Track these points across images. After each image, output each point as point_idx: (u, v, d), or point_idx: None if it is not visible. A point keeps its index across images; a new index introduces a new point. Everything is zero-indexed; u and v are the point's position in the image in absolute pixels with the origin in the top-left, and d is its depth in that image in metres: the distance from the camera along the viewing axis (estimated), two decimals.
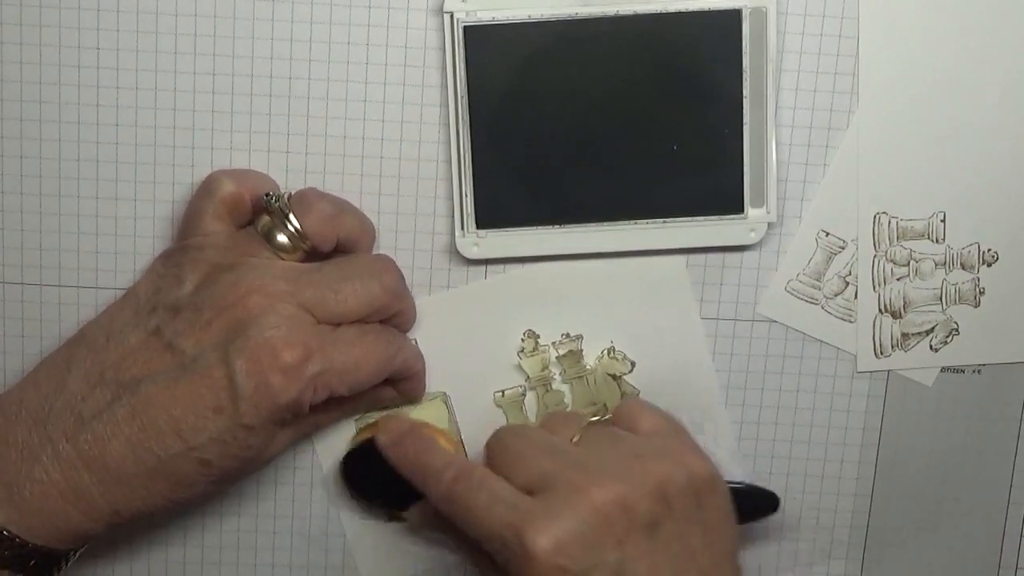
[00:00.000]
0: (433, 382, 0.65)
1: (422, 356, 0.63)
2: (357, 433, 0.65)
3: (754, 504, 0.64)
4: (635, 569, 0.54)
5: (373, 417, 0.65)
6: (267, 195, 0.60)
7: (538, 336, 0.64)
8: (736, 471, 0.66)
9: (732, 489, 0.60)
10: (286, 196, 0.60)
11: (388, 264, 0.61)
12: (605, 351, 0.65)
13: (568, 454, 0.57)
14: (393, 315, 0.61)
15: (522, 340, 0.64)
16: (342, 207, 0.61)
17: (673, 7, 0.60)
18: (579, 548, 0.53)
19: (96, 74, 0.62)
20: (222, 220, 0.60)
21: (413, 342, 0.63)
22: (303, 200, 0.60)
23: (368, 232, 0.62)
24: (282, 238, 0.59)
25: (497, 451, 0.58)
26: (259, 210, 0.60)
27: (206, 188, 0.60)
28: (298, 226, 0.59)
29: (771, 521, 0.66)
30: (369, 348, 0.59)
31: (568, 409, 0.65)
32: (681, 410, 0.64)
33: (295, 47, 0.62)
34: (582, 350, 0.65)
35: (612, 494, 0.54)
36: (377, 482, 0.63)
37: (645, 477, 0.55)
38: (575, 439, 0.59)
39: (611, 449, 0.58)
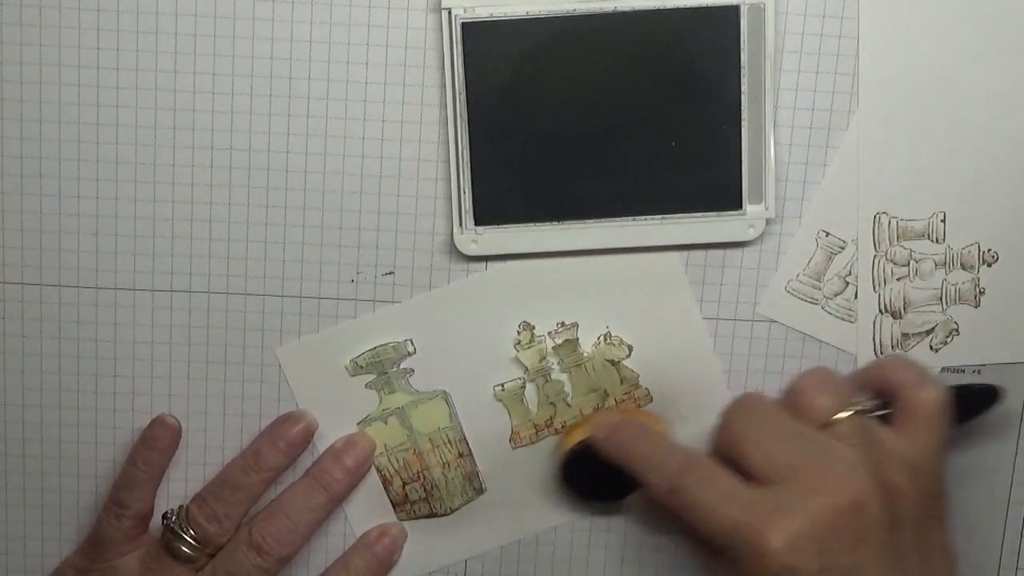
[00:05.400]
0: (432, 380, 0.65)
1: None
2: (565, 435, 0.65)
3: (975, 400, 0.62)
4: None
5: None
6: (164, 515, 0.64)
7: (534, 327, 0.64)
8: None
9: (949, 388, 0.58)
10: (184, 509, 0.64)
11: None
12: (601, 337, 0.65)
13: (811, 443, 0.55)
14: None
15: (518, 332, 0.64)
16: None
17: (671, 3, 0.60)
18: (813, 549, 0.52)
19: (96, 74, 0.62)
20: (132, 541, 0.64)
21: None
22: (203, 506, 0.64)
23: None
24: (185, 550, 0.63)
25: (734, 427, 0.57)
26: (164, 528, 0.64)
27: (112, 507, 0.64)
28: (195, 535, 0.63)
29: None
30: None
31: (825, 369, 0.60)
32: (682, 394, 0.64)
33: (295, 47, 0.62)
34: (578, 338, 0.65)
35: (849, 496, 0.53)
36: (595, 479, 0.63)
37: (883, 483, 0.54)
38: (823, 425, 0.56)
39: (857, 445, 0.55)
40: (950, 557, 0.57)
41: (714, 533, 0.54)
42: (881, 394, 0.59)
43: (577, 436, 0.63)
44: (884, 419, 0.58)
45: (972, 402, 0.62)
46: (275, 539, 0.62)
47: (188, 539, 0.63)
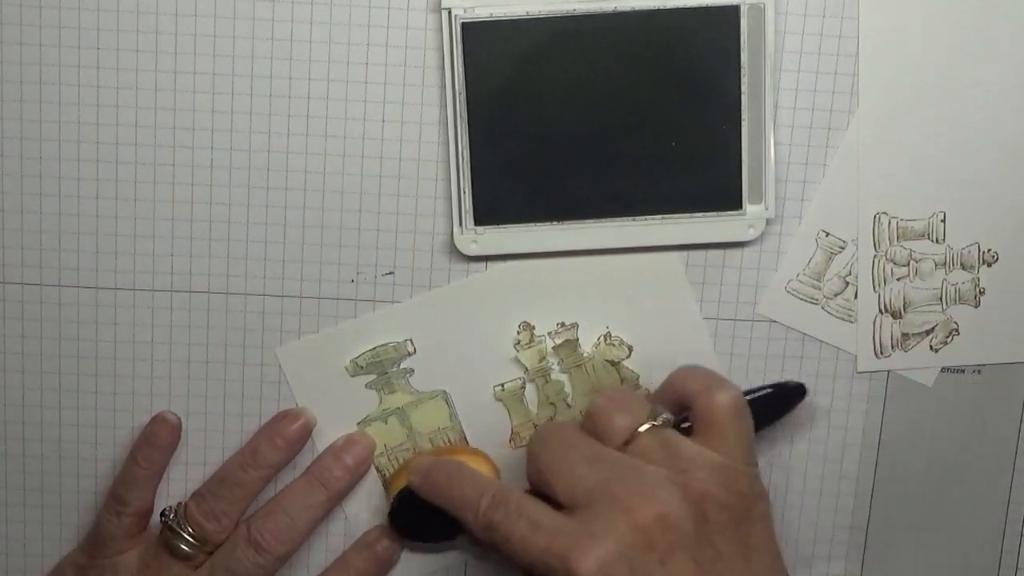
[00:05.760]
0: (432, 380, 0.65)
1: None
2: (391, 480, 0.65)
3: (782, 400, 0.63)
4: None
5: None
6: (163, 513, 0.64)
7: (534, 327, 0.64)
8: None
9: (755, 396, 0.59)
10: (182, 507, 0.64)
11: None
12: (602, 337, 0.65)
13: (612, 464, 0.55)
14: None
15: (518, 332, 0.64)
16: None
17: (671, 3, 0.60)
18: (624, 569, 0.52)
19: (96, 74, 0.62)
20: (132, 538, 0.64)
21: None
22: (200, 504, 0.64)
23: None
24: (184, 548, 0.63)
25: (537, 459, 0.57)
26: (162, 526, 0.64)
27: (112, 504, 0.64)
28: (194, 533, 0.63)
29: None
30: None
31: (621, 388, 0.60)
32: None
33: (295, 47, 0.62)
34: (578, 339, 0.65)
35: (653, 511, 0.53)
36: (423, 522, 0.62)
37: (687, 492, 0.54)
38: (623, 443, 0.56)
39: (658, 459, 0.55)
40: (775, 556, 0.56)
41: (528, 565, 0.54)
42: (678, 406, 0.59)
43: (401, 482, 0.63)
44: (688, 431, 0.57)
45: (776, 401, 0.62)
46: (274, 536, 0.62)
47: (186, 537, 0.63)
